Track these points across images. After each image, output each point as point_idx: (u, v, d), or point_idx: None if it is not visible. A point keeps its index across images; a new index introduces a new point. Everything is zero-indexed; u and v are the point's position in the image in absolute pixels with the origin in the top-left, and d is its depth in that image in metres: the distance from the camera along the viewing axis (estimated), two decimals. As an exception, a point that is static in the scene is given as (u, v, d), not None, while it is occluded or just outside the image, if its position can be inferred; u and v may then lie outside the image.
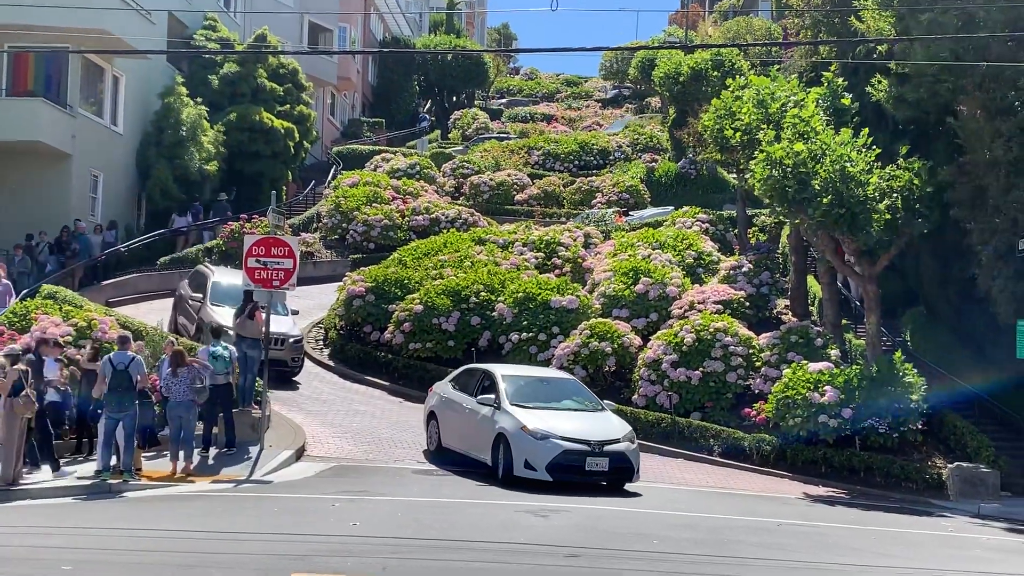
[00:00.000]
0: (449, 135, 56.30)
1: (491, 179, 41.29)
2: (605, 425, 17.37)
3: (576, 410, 17.81)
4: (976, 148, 21.03)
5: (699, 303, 24.61)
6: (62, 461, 16.67)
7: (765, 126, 23.12)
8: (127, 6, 30.83)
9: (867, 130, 22.04)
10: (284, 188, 40.56)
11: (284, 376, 23.81)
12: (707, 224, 31.83)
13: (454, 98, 64.18)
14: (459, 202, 39.55)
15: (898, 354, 21.24)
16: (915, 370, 20.85)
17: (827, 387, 20.32)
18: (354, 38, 55.15)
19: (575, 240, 29.84)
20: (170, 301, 27.56)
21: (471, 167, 42.88)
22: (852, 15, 24.44)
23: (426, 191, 39.32)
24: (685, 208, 33.63)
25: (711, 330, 22.72)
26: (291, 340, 23.74)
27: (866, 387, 20.31)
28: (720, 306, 24.47)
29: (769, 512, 16.56)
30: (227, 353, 18.00)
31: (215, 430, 18.05)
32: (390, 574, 10.42)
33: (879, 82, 23.16)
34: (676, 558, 12.09)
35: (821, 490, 19.74)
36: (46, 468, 16.34)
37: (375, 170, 41.75)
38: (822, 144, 21.11)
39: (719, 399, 22.20)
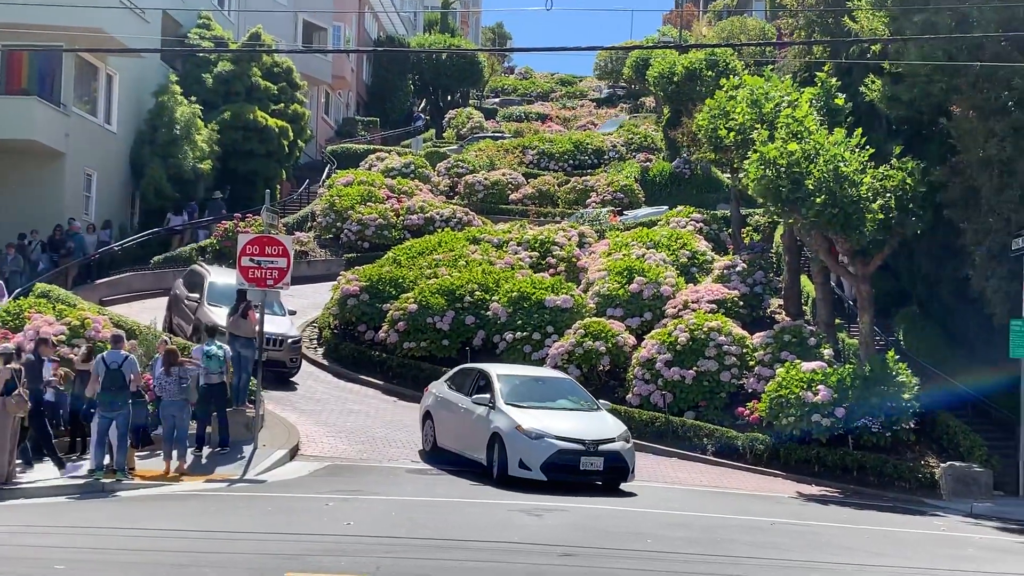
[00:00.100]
0: (444, 134, 56.30)
1: (486, 178, 41.29)
2: (600, 425, 17.37)
3: (571, 409, 17.81)
4: (969, 148, 21.06)
5: (693, 302, 24.63)
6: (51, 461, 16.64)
7: (759, 126, 23.14)
8: (121, 4, 30.78)
9: (860, 130, 22.07)
10: (278, 187, 40.54)
11: (282, 377, 23.80)
12: (701, 224, 31.87)
13: (449, 97, 64.17)
14: (454, 201, 39.55)
15: (891, 353, 21.28)
16: (908, 370, 20.88)
17: (820, 386, 20.36)
18: (348, 37, 55.12)
19: (569, 239, 29.86)
20: (164, 300, 27.53)
21: (466, 166, 42.88)
22: (846, 15, 24.46)
23: (421, 190, 39.32)
24: (679, 208, 33.67)
25: (705, 329, 22.74)
26: (290, 341, 23.73)
27: (859, 386, 20.35)
28: (714, 305, 24.49)
29: (763, 511, 16.58)
30: (221, 352, 17.99)
31: (209, 429, 18.03)
32: (384, 573, 10.43)
33: (873, 82, 23.20)
34: (670, 557, 12.11)
35: (814, 489, 19.77)
36: (39, 467, 16.33)
37: (370, 169, 41.73)
38: (816, 144, 21.14)
39: (713, 398, 22.23)
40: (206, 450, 17.81)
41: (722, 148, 26.54)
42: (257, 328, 19.17)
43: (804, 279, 27.04)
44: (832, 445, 20.58)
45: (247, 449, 17.92)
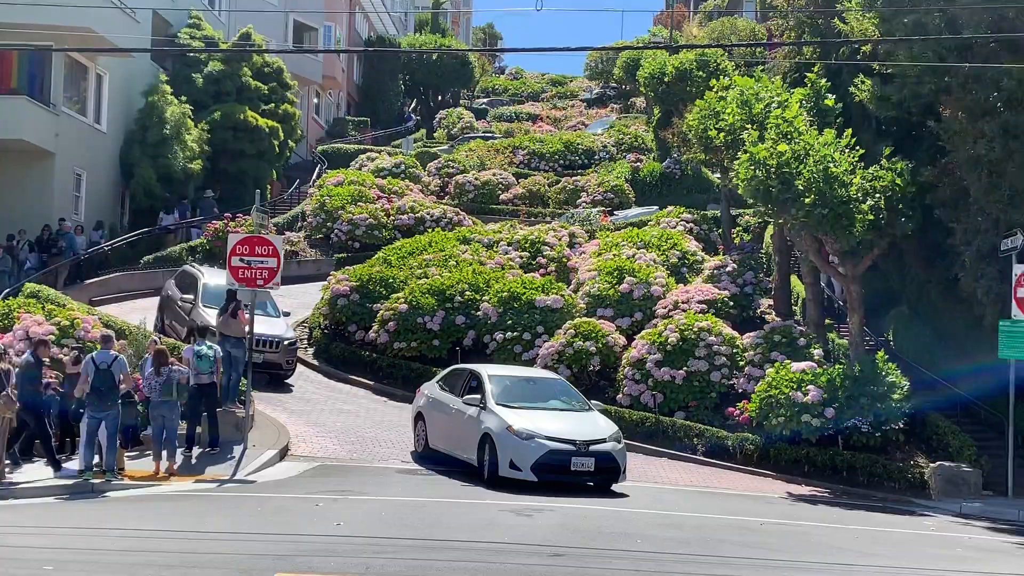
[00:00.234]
0: (434, 134, 56.29)
1: (476, 178, 41.29)
2: (591, 425, 17.36)
3: (562, 410, 17.80)
4: (959, 148, 21.11)
5: (683, 303, 24.66)
6: (43, 461, 16.59)
7: (749, 126, 23.17)
8: (111, 4, 30.72)
9: (850, 130, 22.11)
10: (268, 187, 40.49)
11: (278, 379, 23.75)
12: (691, 224, 31.91)
13: (439, 97, 64.16)
14: (444, 201, 39.55)
15: (881, 354, 21.33)
16: (898, 370, 20.93)
17: (810, 387, 20.39)
18: (339, 37, 55.09)
19: (560, 240, 29.87)
20: (154, 300, 27.45)
21: (456, 166, 42.87)
22: (836, 16, 24.52)
23: (411, 190, 39.30)
24: (670, 208, 33.70)
25: (695, 329, 22.77)
26: (286, 343, 23.70)
27: (849, 387, 20.39)
28: (704, 306, 24.52)
29: (753, 511, 16.61)
30: (212, 352, 17.94)
31: (199, 429, 18.00)
32: (373, 574, 10.42)
33: (862, 82, 23.24)
34: (660, 557, 12.12)
35: (804, 489, 19.81)
36: (28, 468, 16.28)
37: (360, 169, 41.69)
38: (805, 144, 21.18)
39: (703, 398, 22.26)
40: (196, 450, 17.77)
41: (712, 148, 26.57)
42: (247, 328, 19.14)
43: (794, 279, 27.10)
44: (822, 445, 20.62)
45: (237, 449, 17.89)
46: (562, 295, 25.26)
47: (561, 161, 45.77)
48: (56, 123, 30.32)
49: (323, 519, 13.27)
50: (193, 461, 17.42)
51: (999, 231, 20.67)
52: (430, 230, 33.28)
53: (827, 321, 25.20)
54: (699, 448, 21.30)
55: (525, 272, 27.31)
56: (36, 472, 16.16)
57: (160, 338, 20.93)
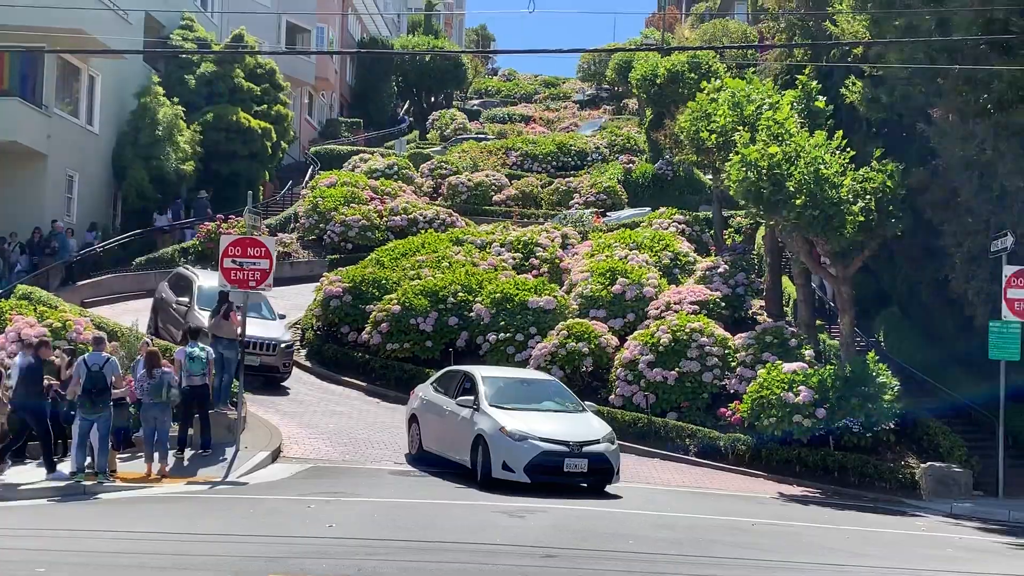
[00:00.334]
0: (427, 136, 56.30)
1: (469, 180, 41.31)
2: (585, 426, 17.35)
3: (556, 411, 17.79)
4: (949, 150, 21.18)
5: (675, 304, 24.71)
6: (34, 463, 16.59)
7: (740, 128, 23.24)
8: (103, 6, 30.69)
9: (841, 132, 22.18)
10: (261, 188, 40.49)
11: (274, 382, 23.72)
12: (683, 225, 31.98)
13: (432, 99, 64.16)
14: (437, 203, 39.56)
15: (871, 355, 21.38)
16: (888, 371, 20.98)
17: (801, 387, 20.44)
18: (332, 38, 55.07)
19: (553, 241, 29.92)
20: (146, 301, 27.40)
21: (449, 168, 42.89)
22: (827, 19, 24.59)
23: (404, 191, 39.32)
24: (662, 209, 33.79)
25: (687, 330, 22.81)
26: (282, 345, 23.69)
27: (840, 387, 20.43)
28: (696, 307, 24.57)
29: (744, 512, 16.64)
30: (204, 354, 17.94)
31: (191, 431, 17.99)
32: (365, 575, 10.44)
33: (853, 84, 23.32)
34: (653, 558, 12.15)
35: (796, 489, 19.86)
36: (18, 469, 16.26)
37: (353, 170, 41.70)
38: (796, 146, 21.23)
39: (695, 399, 22.30)
40: (188, 452, 17.76)
41: (704, 150, 26.65)
42: (239, 330, 19.15)
43: (785, 280, 27.17)
44: (813, 446, 20.67)
45: (229, 451, 17.87)
46: (555, 296, 25.30)
47: (554, 162, 45.82)
48: (48, 124, 30.29)
49: (315, 521, 13.28)
50: (185, 463, 17.41)
51: (989, 232, 20.74)
52: (423, 231, 33.32)
53: (818, 322, 25.28)
54: (691, 449, 21.34)
55: (518, 273, 27.35)
56: (28, 474, 16.14)
57: (152, 340, 20.93)
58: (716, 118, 24.80)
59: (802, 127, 22.56)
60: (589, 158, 45.99)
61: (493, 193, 41.07)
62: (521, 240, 29.57)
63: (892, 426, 20.65)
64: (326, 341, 26.40)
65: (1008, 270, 20.49)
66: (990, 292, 20.87)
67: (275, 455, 18.35)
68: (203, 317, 22.67)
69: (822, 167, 20.88)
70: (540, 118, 60.65)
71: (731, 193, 22.93)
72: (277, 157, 41.36)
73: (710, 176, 32.92)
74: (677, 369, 22.34)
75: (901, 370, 22.86)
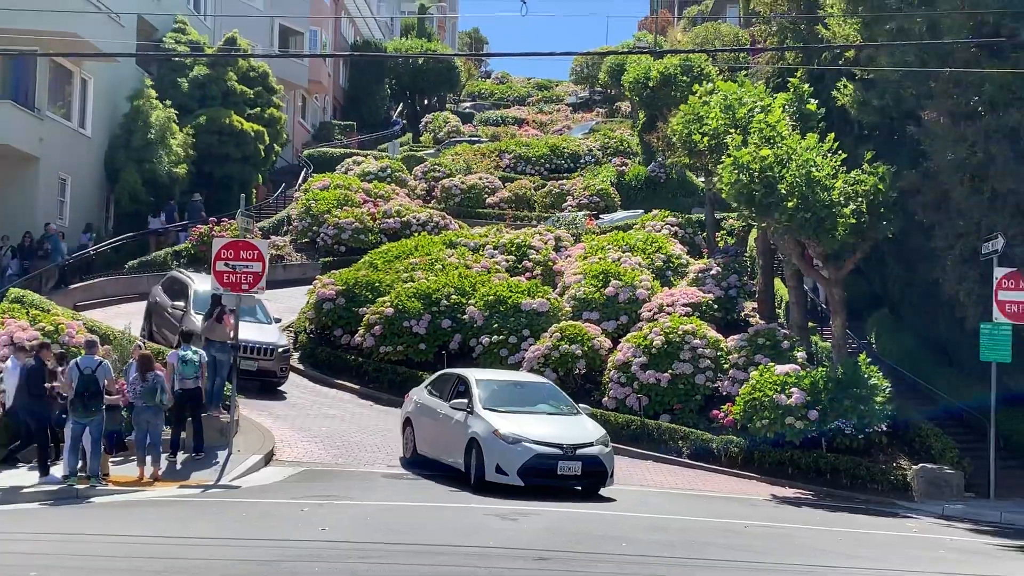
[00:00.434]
0: (420, 138, 56.29)
1: (462, 182, 41.31)
2: (579, 429, 17.35)
3: (550, 414, 17.79)
4: (940, 153, 21.24)
5: (668, 306, 24.74)
6: (26, 467, 16.57)
7: (732, 131, 23.28)
8: (96, 9, 30.66)
9: (832, 135, 22.23)
10: (254, 191, 40.43)
11: (270, 386, 23.68)
12: (676, 227, 32.01)
13: (425, 101, 64.17)
14: (430, 205, 39.54)
15: (863, 356, 21.44)
16: (880, 372, 21.04)
17: (794, 389, 20.48)
18: (325, 41, 55.05)
19: (546, 243, 29.94)
20: (139, 305, 27.34)
21: (442, 170, 42.89)
22: (818, 22, 24.65)
23: (397, 194, 39.31)
24: (655, 211, 33.81)
25: (680, 332, 22.85)
26: (279, 350, 23.65)
27: (832, 389, 20.47)
28: (689, 309, 24.60)
29: (737, 514, 16.66)
30: (197, 357, 17.94)
31: (183, 435, 17.98)
32: (358, 578, 10.45)
33: (845, 87, 23.38)
34: (646, 560, 12.18)
35: (788, 491, 19.90)
36: (8, 473, 16.23)
37: (346, 173, 41.65)
38: (788, 149, 21.29)
39: (688, 401, 22.33)
40: (180, 456, 17.75)
41: (696, 153, 26.68)
42: (232, 333, 19.15)
43: (778, 283, 27.22)
44: (805, 448, 20.71)
45: (221, 455, 17.87)
46: (548, 298, 25.32)
47: (547, 165, 45.85)
48: (41, 128, 30.25)
49: (308, 524, 13.28)
50: (178, 467, 17.40)
51: (980, 234, 20.80)
52: (416, 234, 33.32)
53: (810, 324, 25.33)
54: (684, 451, 21.37)
55: (511, 276, 27.36)
56: (20, 478, 16.12)
57: (145, 343, 20.91)
58: (708, 121, 24.85)
59: (794, 130, 22.61)
60: (582, 160, 46.02)
61: (486, 196, 41.07)
62: (514, 242, 29.58)
63: (884, 428, 20.70)
64: (319, 344, 26.39)
65: (999, 272, 20.57)
66: (981, 294, 20.93)
67: (268, 458, 18.34)
68: (199, 321, 22.63)
69: (814, 170, 20.94)
70: (533, 121, 60.70)
71: (723, 195, 22.98)
72: (270, 160, 41.33)
73: (702, 179, 32.96)
74: (670, 371, 22.37)
75: (893, 372, 22.93)
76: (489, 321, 24.65)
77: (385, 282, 26.71)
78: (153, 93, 35.25)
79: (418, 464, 18.54)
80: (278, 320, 25.27)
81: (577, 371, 23.29)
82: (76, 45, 28.58)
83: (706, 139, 24.91)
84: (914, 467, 20.24)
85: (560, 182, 41.85)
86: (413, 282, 26.30)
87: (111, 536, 12.42)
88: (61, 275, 29.99)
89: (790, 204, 20.64)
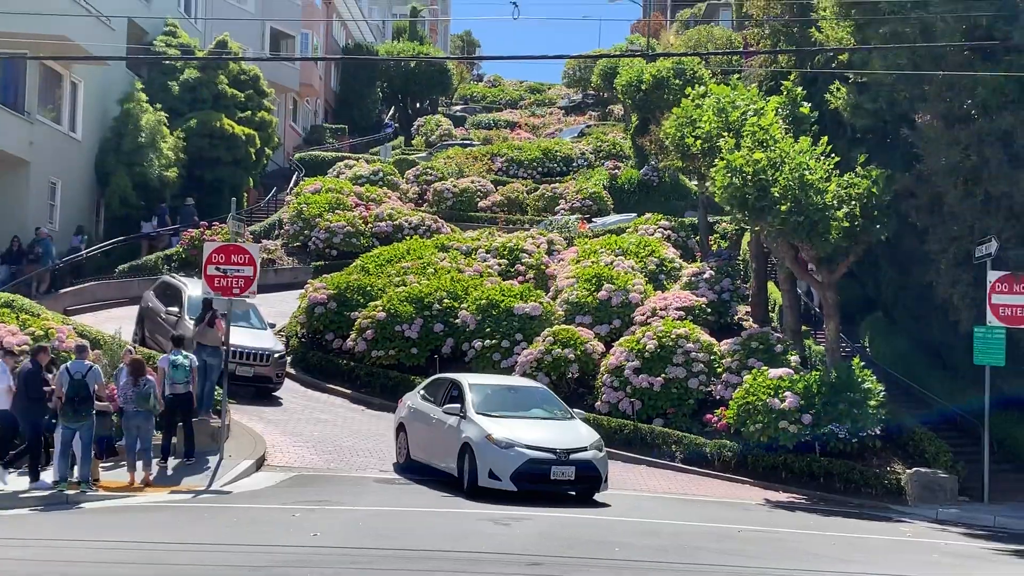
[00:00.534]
0: (412, 142, 56.24)
1: (454, 186, 41.26)
2: (573, 433, 17.27)
3: (544, 419, 17.71)
4: (934, 156, 21.24)
5: (661, 309, 24.69)
6: (16, 472, 16.44)
7: (725, 134, 23.25)
8: (86, 12, 30.54)
9: (826, 138, 22.20)
10: (245, 195, 40.33)
11: (266, 392, 23.58)
12: (669, 231, 31.99)
13: (417, 105, 64.10)
14: (422, 209, 39.50)
15: (856, 360, 21.41)
16: (874, 376, 21.01)
17: (787, 393, 20.45)
18: (316, 44, 54.96)
19: (538, 247, 29.89)
20: (129, 309, 27.21)
21: (435, 174, 42.84)
22: (811, 25, 24.64)
23: (389, 198, 39.23)
24: (647, 215, 33.80)
25: (673, 336, 22.80)
26: (276, 356, 23.55)
27: (826, 393, 20.45)
28: (682, 312, 24.55)
29: (731, 518, 16.63)
30: (187, 362, 17.84)
31: (174, 440, 17.88)
32: (350, 585, 10.37)
33: (838, 90, 23.38)
34: (639, 565, 12.12)
35: (782, 496, 19.86)
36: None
37: (338, 176, 41.59)
38: (781, 152, 21.26)
39: (681, 405, 22.28)
40: (171, 461, 17.65)
41: (689, 156, 26.66)
42: (223, 337, 19.06)
43: (771, 286, 27.20)
44: (799, 452, 20.66)
45: (212, 460, 17.78)
46: (540, 302, 25.26)
47: (539, 168, 45.81)
48: (30, 131, 30.11)
49: (300, 529, 13.20)
50: (169, 472, 17.30)
51: (974, 238, 20.80)
52: (408, 238, 33.24)
53: (804, 328, 25.29)
54: (677, 455, 21.31)
55: (504, 279, 27.31)
56: (9, 483, 15.99)
57: (135, 347, 20.79)
58: (701, 124, 24.82)
59: (787, 133, 22.58)
60: (575, 164, 45.99)
61: (479, 199, 41.03)
62: (507, 246, 29.52)
63: (878, 432, 20.66)
64: (311, 348, 26.30)
65: (993, 276, 20.56)
66: (975, 297, 20.92)
67: (259, 463, 18.25)
68: (194, 327, 22.53)
69: (807, 173, 20.91)
70: (525, 124, 60.66)
71: (716, 199, 22.93)
72: (261, 163, 41.23)
73: (695, 182, 32.97)
74: (663, 375, 22.32)
75: (886, 376, 22.90)
76: (482, 325, 24.58)
77: (377, 286, 26.63)
78: (143, 96, 35.14)
79: (411, 470, 18.45)
80: (272, 325, 25.18)
81: (570, 375, 23.23)
82: (66, 48, 28.45)
83: (699, 142, 24.88)
84: (908, 471, 20.21)
85: (553, 186, 41.83)
86: (405, 286, 26.23)
87: (101, 542, 12.32)
88: (52, 279, 29.86)
89: (783, 207, 20.61)
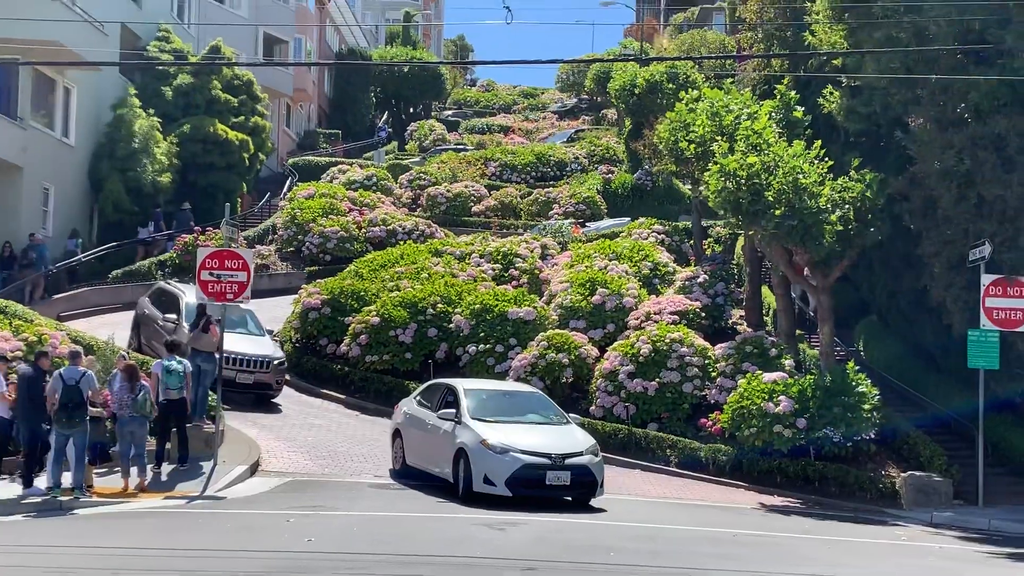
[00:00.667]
0: (406, 146, 56.25)
1: (448, 190, 41.26)
2: (568, 438, 17.23)
3: (539, 424, 17.66)
4: (927, 159, 21.28)
5: (655, 314, 24.69)
6: (8, 479, 16.39)
7: (719, 138, 23.27)
8: (79, 18, 30.49)
9: (819, 142, 22.24)
10: (239, 200, 40.26)
11: (266, 398, 23.53)
12: (663, 235, 32.02)
13: (411, 109, 64.13)
14: (416, 213, 39.49)
15: (851, 364, 21.43)
16: (868, 380, 21.02)
17: (782, 397, 20.45)
18: (310, 50, 54.96)
19: (532, 251, 29.88)
20: (123, 315, 27.13)
21: (428, 178, 42.83)
22: (804, 29, 24.68)
23: (383, 203, 39.21)
24: (641, 219, 33.82)
25: (667, 341, 22.80)
26: (275, 362, 23.50)
27: (820, 397, 20.45)
28: (676, 317, 24.55)
29: (725, 522, 16.63)
30: (181, 367, 17.80)
31: (168, 446, 17.83)
32: (345, 590, 10.36)
33: (831, 94, 23.41)
34: (633, 570, 12.12)
35: (776, 500, 19.85)
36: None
37: (331, 181, 41.58)
38: (775, 156, 21.28)
39: (676, 410, 22.26)
40: (165, 467, 17.61)
41: (683, 160, 26.67)
42: (217, 343, 19.02)
43: (765, 290, 27.21)
44: (794, 456, 20.65)
45: (207, 465, 17.73)
46: (534, 307, 25.25)
47: (533, 173, 45.82)
48: (23, 137, 30.05)
49: (294, 535, 13.18)
50: (163, 478, 17.26)
51: (968, 241, 20.82)
52: (402, 242, 33.21)
53: (798, 332, 25.33)
54: (672, 459, 21.30)
55: (497, 284, 27.29)
56: (2, 489, 15.95)
57: (129, 353, 20.75)
58: (695, 128, 24.83)
59: (780, 137, 22.61)
60: (568, 168, 46.02)
61: (472, 204, 41.03)
62: (500, 251, 29.52)
63: (872, 436, 20.67)
64: (305, 353, 26.26)
65: (986, 279, 20.58)
66: (968, 300, 20.94)
67: (254, 469, 18.21)
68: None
69: (801, 177, 20.94)
70: (519, 128, 60.69)
71: (710, 203, 22.95)
72: (255, 169, 41.20)
73: (689, 186, 32.97)
74: (657, 380, 22.31)
75: (881, 379, 22.91)
76: (476, 330, 24.57)
77: (371, 291, 26.60)
78: (137, 102, 35.10)
79: (407, 476, 18.40)
80: (270, 331, 25.14)
81: (564, 380, 23.20)
82: (59, 54, 28.39)
83: (693, 146, 24.89)
84: (902, 475, 20.22)
85: (546, 190, 41.85)
86: (399, 291, 26.21)
87: (95, 548, 12.28)
88: (46, 285, 29.79)
89: (777, 211, 20.63)
